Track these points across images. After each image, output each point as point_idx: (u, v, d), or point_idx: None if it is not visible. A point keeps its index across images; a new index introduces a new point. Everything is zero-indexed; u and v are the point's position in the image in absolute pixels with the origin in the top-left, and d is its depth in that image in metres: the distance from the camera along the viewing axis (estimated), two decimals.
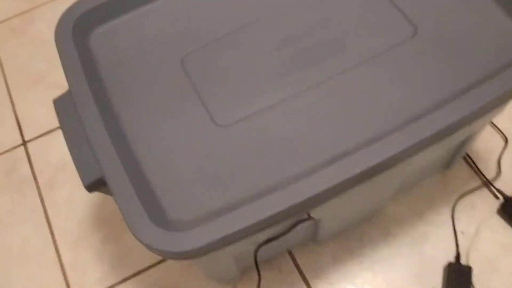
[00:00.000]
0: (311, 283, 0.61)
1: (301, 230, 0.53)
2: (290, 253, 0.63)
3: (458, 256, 0.60)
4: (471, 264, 0.60)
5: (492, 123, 0.69)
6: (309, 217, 0.47)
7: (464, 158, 0.66)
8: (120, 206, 0.42)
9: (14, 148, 0.76)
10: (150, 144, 0.46)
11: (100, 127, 0.45)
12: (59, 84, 0.79)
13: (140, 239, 0.40)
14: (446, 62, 0.47)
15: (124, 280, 0.64)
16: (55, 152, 0.74)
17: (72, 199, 0.70)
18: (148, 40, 0.52)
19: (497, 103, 0.44)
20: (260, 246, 0.50)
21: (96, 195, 0.70)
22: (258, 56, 0.50)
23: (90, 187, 0.45)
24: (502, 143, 0.68)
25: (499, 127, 0.69)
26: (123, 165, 0.43)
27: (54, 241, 0.67)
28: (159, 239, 0.40)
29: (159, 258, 0.64)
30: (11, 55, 0.86)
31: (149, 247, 0.40)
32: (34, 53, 0.85)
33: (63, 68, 0.48)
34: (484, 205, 0.63)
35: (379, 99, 0.46)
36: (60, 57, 0.49)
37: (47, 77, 0.82)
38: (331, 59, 0.49)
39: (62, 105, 0.48)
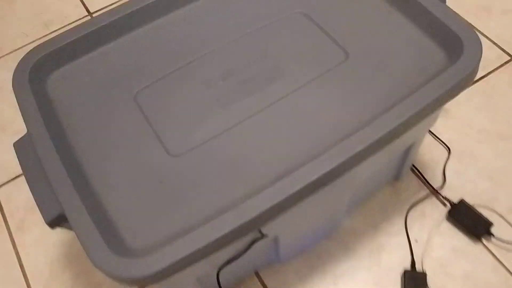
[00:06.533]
0: None
1: (260, 250, 0.56)
2: (257, 275, 0.66)
3: (413, 264, 0.63)
4: (426, 270, 0.63)
5: (435, 135, 0.74)
6: (262, 235, 0.50)
7: (412, 170, 0.71)
8: (80, 239, 0.44)
9: None
10: (108, 177, 0.49)
11: (58, 165, 0.47)
12: (25, 130, 0.82)
13: (101, 268, 0.42)
14: (376, 81, 0.52)
15: None
16: (23, 195, 0.76)
17: (42, 240, 0.71)
18: (101, 80, 0.55)
19: (423, 113, 0.48)
20: (221, 268, 0.52)
21: (65, 236, 0.71)
22: (204, 88, 0.54)
23: (52, 224, 0.47)
24: (445, 153, 0.72)
25: (442, 139, 0.74)
26: (82, 200, 0.46)
27: (27, 283, 0.68)
28: (118, 266, 0.42)
29: None
30: None
31: (110, 274, 0.42)
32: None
33: (21, 112, 0.51)
34: (434, 212, 0.67)
35: (317, 118, 0.50)
36: (18, 102, 0.52)
37: (13, 124, 0.84)
38: (272, 86, 0.53)
39: (22, 147, 0.51)
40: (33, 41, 0.94)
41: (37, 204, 0.47)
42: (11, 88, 0.89)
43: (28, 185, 0.48)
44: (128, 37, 0.59)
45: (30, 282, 0.68)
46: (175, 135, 0.51)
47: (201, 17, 0.60)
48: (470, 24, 0.85)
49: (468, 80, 0.49)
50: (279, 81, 0.53)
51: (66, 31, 0.57)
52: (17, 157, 0.50)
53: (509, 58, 0.82)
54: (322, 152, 0.46)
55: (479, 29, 0.86)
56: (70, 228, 0.47)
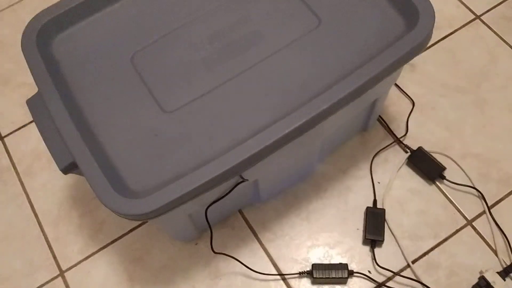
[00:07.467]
0: (259, 235, 0.74)
1: (243, 191, 0.65)
2: (241, 212, 0.76)
3: (375, 202, 0.73)
4: (385, 207, 0.73)
5: (402, 89, 0.82)
6: (243, 179, 0.59)
7: (379, 121, 0.79)
8: (90, 183, 0.52)
9: None
10: (111, 131, 0.57)
11: (67, 120, 0.55)
12: (26, 83, 0.89)
13: (109, 207, 0.51)
14: (343, 45, 0.59)
15: (102, 248, 0.75)
16: (30, 143, 0.84)
17: (50, 183, 0.80)
18: (101, 43, 0.62)
19: (382, 75, 0.56)
20: (209, 206, 0.61)
21: (71, 179, 0.80)
22: (193, 51, 0.61)
23: (65, 170, 0.56)
24: (410, 106, 0.81)
25: (408, 92, 0.82)
26: (90, 150, 0.54)
27: (38, 220, 0.77)
28: (123, 205, 0.51)
29: (130, 227, 0.76)
30: None
31: (116, 212, 0.51)
32: (1, 55, 0.93)
33: (31, 73, 0.58)
34: (395, 158, 0.77)
35: (292, 79, 0.58)
36: (28, 64, 0.59)
37: (16, 77, 0.90)
38: (253, 49, 0.60)
39: (33, 104, 0.58)
40: None
41: (51, 154, 0.55)
42: (11, 43, 0.95)
43: (42, 138, 0.56)
44: (124, 2, 0.64)
45: (41, 219, 0.78)
46: (167, 94, 0.59)
47: None
48: None
49: (422, 46, 0.57)
50: (259, 44, 0.60)
51: None
52: (31, 114, 0.58)
53: (474, 17, 0.89)
54: (295, 108, 0.55)
55: None
56: (80, 173, 0.55)
